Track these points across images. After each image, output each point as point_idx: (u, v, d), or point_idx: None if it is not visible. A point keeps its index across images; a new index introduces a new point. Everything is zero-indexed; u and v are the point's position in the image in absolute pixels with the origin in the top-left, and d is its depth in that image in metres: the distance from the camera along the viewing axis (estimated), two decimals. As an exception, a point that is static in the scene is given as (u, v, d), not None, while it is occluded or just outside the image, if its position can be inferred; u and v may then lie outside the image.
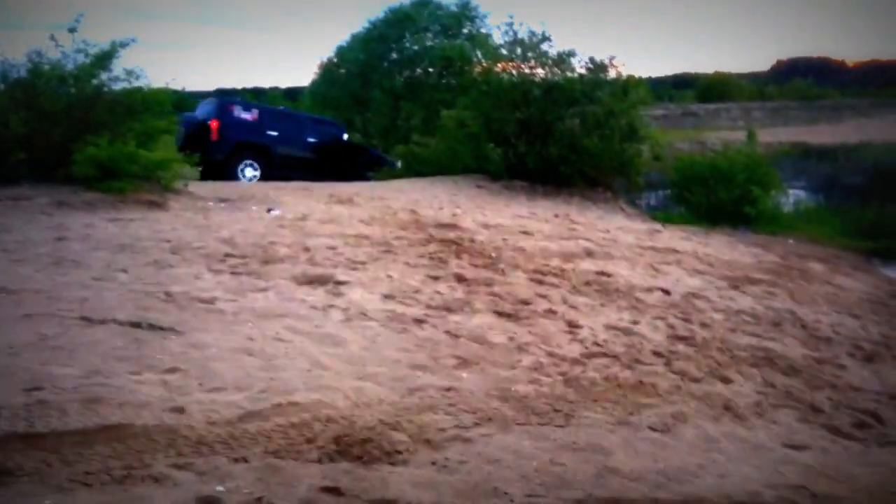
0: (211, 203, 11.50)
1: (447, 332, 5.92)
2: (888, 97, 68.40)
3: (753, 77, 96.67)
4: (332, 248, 8.41)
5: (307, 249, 8.24)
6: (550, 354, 5.71)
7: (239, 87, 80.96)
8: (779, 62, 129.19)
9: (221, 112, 17.65)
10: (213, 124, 17.05)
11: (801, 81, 76.75)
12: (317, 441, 3.79)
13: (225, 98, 20.65)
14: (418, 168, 17.92)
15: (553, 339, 6.09)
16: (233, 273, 7.10)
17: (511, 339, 5.98)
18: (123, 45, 12.21)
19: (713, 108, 57.86)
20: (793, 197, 21.57)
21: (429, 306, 6.58)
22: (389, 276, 7.39)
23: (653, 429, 4.54)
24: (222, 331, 5.43)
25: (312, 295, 6.52)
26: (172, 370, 4.58)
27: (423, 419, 4.24)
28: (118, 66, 12.18)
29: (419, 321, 6.10)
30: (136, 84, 12.22)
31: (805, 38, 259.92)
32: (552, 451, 3.99)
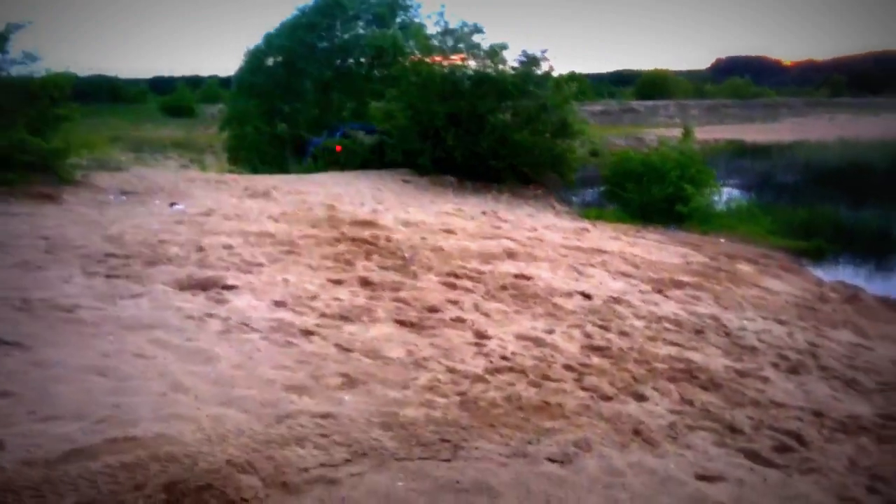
0: (111, 196, 10.73)
1: (338, 346, 5.33)
2: (822, 96, 69.69)
3: (692, 75, 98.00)
4: (229, 247, 7.76)
5: (201, 249, 7.57)
6: (451, 370, 5.17)
7: (177, 74, 79.21)
8: (717, 60, 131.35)
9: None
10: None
11: (738, 80, 77.87)
12: (145, 488, 3.18)
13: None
14: (345, 161, 17.26)
15: (456, 353, 5.55)
16: (109, 276, 6.40)
17: (410, 352, 5.41)
18: (18, 27, 11.35)
19: (651, 105, 58.22)
20: (727, 195, 21.43)
21: (323, 315, 5.98)
22: (285, 280, 6.77)
23: (552, 460, 4.03)
24: (77, 345, 4.77)
25: (191, 302, 5.86)
26: (2, 394, 3.93)
27: (286, 455, 3.66)
28: (16, 50, 11.35)
29: (308, 333, 5.50)
30: (33, 68, 11.38)
31: (743, 38, 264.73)
32: (429, 493, 3.45)
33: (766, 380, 6.03)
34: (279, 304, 6.10)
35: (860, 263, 14.78)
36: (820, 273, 13.02)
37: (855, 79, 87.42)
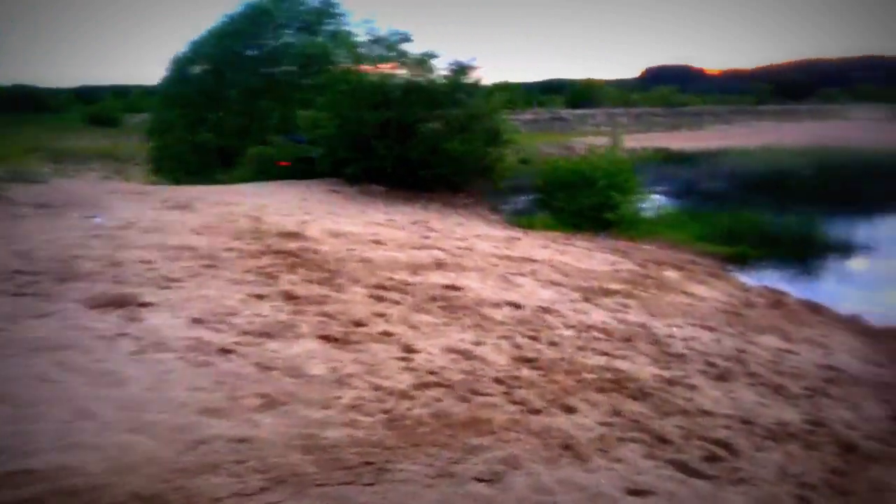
0: (27, 209, 10.28)
1: (257, 364, 5.11)
2: (747, 104, 71.37)
3: (622, 84, 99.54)
4: (147, 262, 7.45)
5: (116, 264, 7.25)
6: (376, 388, 5.00)
7: (104, 83, 77.45)
8: (646, 70, 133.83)
9: None
10: None
11: (665, 88, 79.31)
12: (41, 527, 2.95)
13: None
14: (273, 171, 16.94)
15: (382, 369, 5.38)
16: (16, 294, 6.07)
17: (333, 369, 5.22)
18: None
19: (581, 114, 58.81)
20: (654, 202, 21.68)
21: (243, 332, 5.75)
22: (205, 296, 6.50)
23: (479, 479, 3.90)
24: (-26, 370, 4.48)
25: (103, 321, 5.58)
26: None
27: (198, 484, 3.46)
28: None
29: (226, 351, 5.27)
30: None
31: (671, 47, 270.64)
32: (350, 522, 3.28)
33: (694, 388, 6.02)
34: (197, 321, 5.85)
35: (783, 268, 15.05)
36: (745, 278, 13.20)
37: (778, 87, 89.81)
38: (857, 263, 15.38)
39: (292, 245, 9.13)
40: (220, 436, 3.98)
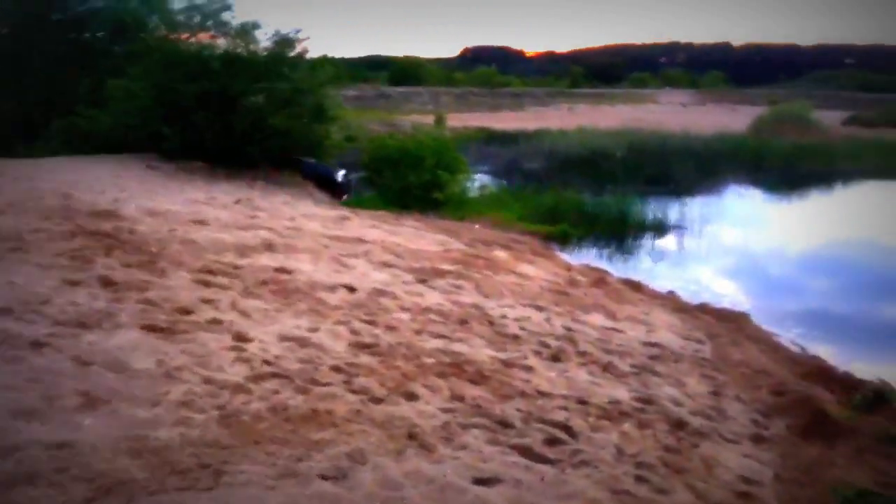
0: None
1: (75, 359, 4.68)
2: (563, 86, 73.96)
3: (442, 63, 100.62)
4: (-60, 246, 6.73)
5: None
6: (207, 381, 4.70)
7: None
8: (465, 50, 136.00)
9: None
10: None
11: (486, 69, 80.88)
12: None
13: None
14: (82, 145, 15.81)
15: (213, 360, 5.07)
16: None
17: (160, 362, 4.87)
18: None
19: (405, 92, 59.02)
20: (478, 181, 22.03)
21: (57, 322, 5.27)
22: (10, 283, 5.92)
23: (324, 477, 3.73)
24: None
25: None
26: None
27: (14, 498, 3.11)
28: None
29: (39, 344, 4.79)
30: None
31: (489, 28, 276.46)
32: (188, 533, 3.03)
33: (530, 369, 6.07)
34: (3, 311, 5.30)
35: (602, 246, 15.67)
36: (567, 257, 13.61)
37: (591, 70, 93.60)
38: (669, 241, 16.22)
39: (107, 225, 8.52)
40: (37, 441, 3.61)
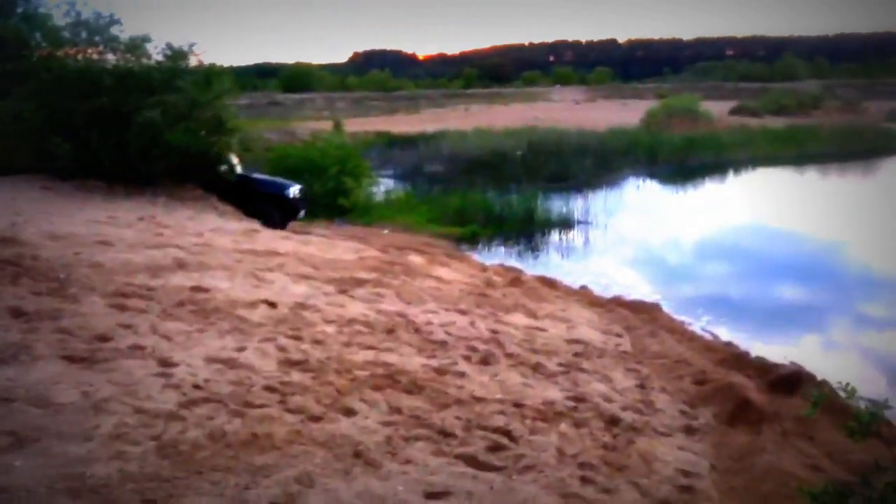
0: None
1: (-6, 397, 4.46)
2: (456, 88, 74.51)
3: (333, 68, 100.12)
4: None
5: None
6: (138, 410, 4.53)
7: None
8: (356, 54, 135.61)
9: None
10: None
11: (379, 73, 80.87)
12: None
13: None
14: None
15: (141, 388, 4.89)
16: None
17: (85, 394, 4.66)
18: None
19: (298, 98, 58.44)
20: (383, 186, 22.01)
21: (-31, 359, 5.00)
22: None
23: None
24: None
25: None
26: None
27: (-52, 554, 2.92)
28: None
29: (-48, 385, 4.54)
30: None
31: (378, 32, 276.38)
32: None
33: (463, 375, 6.09)
34: None
35: (511, 245, 15.89)
36: (480, 258, 13.73)
37: (484, 71, 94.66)
38: (575, 236, 16.56)
39: (7, 252, 8.10)
40: (-36, 488, 3.41)
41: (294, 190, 15.24)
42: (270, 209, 14.61)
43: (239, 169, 15.91)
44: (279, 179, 16.11)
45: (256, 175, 16.03)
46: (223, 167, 15.28)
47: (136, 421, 4.38)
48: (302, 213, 15.39)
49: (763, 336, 9.61)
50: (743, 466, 4.93)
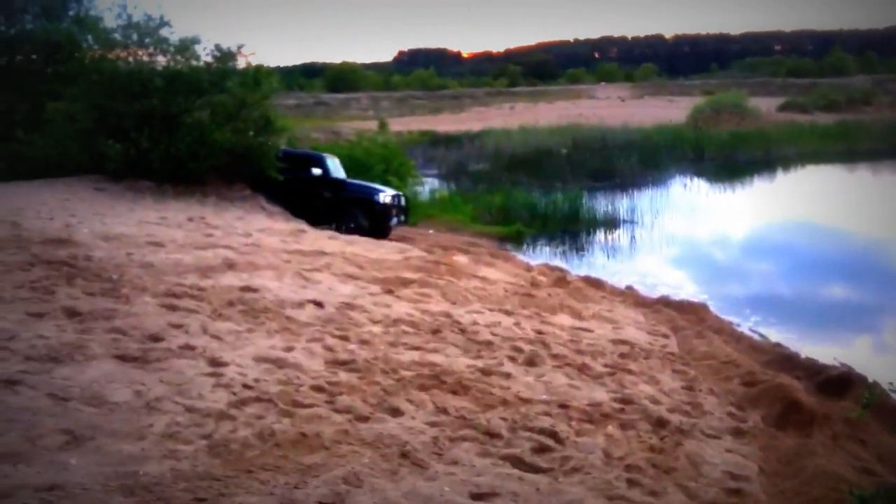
0: None
1: (51, 395, 4.55)
2: (501, 86, 74.33)
3: (378, 67, 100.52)
4: None
5: None
6: (190, 410, 4.62)
7: None
8: (400, 53, 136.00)
9: None
10: None
11: (424, 71, 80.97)
12: None
13: None
14: (23, 170, 15.39)
15: (192, 387, 4.99)
16: None
17: (138, 393, 4.77)
18: None
19: (343, 98, 58.88)
20: (427, 185, 22.08)
21: (28, 358, 5.11)
22: (-29, 321, 5.76)
23: (323, 503, 3.69)
24: None
25: None
26: None
27: (9, 549, 3.01)
28: None
29: (11, 383, 4.64)
30: None
31: (423, 30, 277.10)
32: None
33: (508, 375, 6.11)
34: (-30, 351, 5.15)
35: (556, 244, 15.84)
36: (524, 257, 13.72)
37: (528, 68, 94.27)
38: (620, 236, 16.45)
39: (62, 253, 8.31)
40: (24, 485, 3.50)
41: (386, 196, 14.47)
42: (358, 215, 14.13)
43: (342, 173, 15.52)
44: (370, 184, 15.41)
45: (348, 179, 15.42)
46: (316, 171, 14.78)
47: (187, 420, 4.47)
48: (395, 220, 14.52)
49: (812, 337, 9.46)
50: (792, 469, 4.87)
